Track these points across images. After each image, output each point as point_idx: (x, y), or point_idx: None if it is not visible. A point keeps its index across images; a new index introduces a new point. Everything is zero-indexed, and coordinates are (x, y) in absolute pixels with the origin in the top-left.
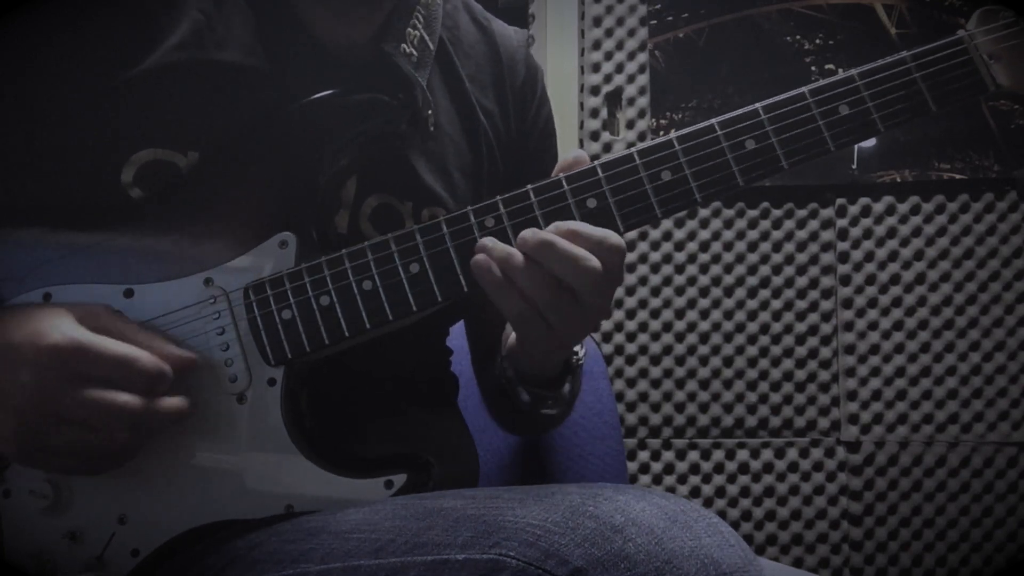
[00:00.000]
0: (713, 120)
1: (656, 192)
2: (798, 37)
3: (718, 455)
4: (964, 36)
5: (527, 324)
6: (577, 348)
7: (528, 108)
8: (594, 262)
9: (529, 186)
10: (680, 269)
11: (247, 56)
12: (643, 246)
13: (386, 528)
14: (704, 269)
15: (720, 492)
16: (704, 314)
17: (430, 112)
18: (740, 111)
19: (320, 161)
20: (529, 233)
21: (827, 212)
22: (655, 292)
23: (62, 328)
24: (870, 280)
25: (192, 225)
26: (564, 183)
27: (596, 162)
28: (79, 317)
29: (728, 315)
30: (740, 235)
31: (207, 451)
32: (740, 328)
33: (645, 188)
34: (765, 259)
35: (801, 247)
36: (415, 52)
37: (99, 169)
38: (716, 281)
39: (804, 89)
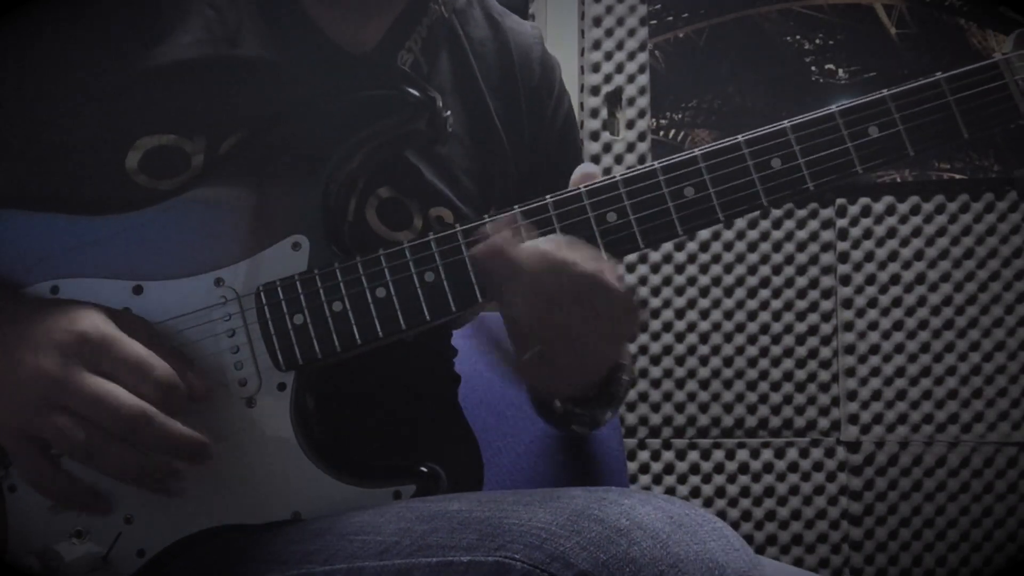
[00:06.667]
0: (740, 137)
1: (678, 209)
2: (798, 37)
3: (718, 455)
4: (1000, 60)
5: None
6: (622, 375)
7: (545, 108)
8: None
9: (548, 197)
10: (680, 269)
11: (260, 52)
12: None
13: (391, 530)
14: (704, 269)
15: (720, 492)
16: (704, 314)
17: (448, 114)
18: (767, 129)
19: (334, 160)
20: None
21: (827, 212)
22: (655, 292)
23: (93, 320)
24: (870, 280)
25: (203, 222)
26: (584, 196)
27: (617, 176)
28: (110, 315)
29: (728, 315)
30: (740, 235)
31: (215, 454)
32: (740, 328)
33: (668, 205)
34: (765, 259)
35: (801, 247)
36: (423, 60)
37: (103, 154)
38: (716, 281)
39: (834, 109)
